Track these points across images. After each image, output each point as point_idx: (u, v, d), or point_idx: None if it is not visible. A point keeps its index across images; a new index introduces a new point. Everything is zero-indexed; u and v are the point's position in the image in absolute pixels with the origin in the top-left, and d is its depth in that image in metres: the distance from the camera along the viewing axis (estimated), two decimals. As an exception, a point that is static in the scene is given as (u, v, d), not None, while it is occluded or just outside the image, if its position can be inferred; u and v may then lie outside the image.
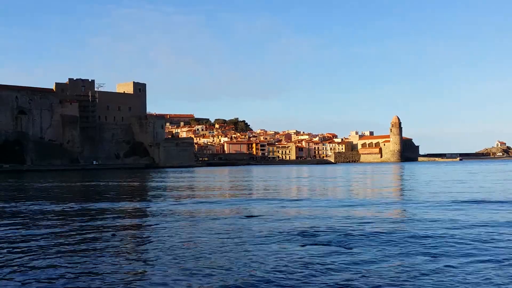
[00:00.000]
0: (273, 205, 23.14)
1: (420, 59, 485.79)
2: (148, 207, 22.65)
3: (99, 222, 17.66)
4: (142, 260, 11.50)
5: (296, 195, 30.22)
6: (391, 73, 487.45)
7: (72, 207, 22.96)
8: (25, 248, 12.94)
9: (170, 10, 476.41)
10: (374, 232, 14.59)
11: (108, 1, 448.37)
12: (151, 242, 13.74)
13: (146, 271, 10.47)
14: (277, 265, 10.69)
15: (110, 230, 15.35)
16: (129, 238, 14.15)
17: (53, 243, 13.65)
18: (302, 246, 12.51)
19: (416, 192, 32.00)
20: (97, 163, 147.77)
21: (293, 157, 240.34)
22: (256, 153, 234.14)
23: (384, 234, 14.13)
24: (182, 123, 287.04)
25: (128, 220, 18.08)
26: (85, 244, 13.50)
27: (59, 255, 12.16)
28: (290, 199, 26.40)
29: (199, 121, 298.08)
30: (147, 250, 12.69)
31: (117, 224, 16.71)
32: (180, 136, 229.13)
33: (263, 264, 10.85)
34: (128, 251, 12.51)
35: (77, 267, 10.93)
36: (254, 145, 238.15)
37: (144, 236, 14.59)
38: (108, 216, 19.49)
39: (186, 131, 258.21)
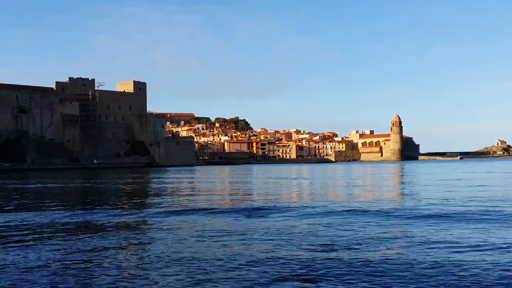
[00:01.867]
0: (271, 215, 22.92)
1: (420, 59, 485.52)
2: (145, 217, 21.50)
3: (94, 236, 17.05)
4: (139, 276, 11.49)
5: (294, 202, 30.06)
6: (391, 72, 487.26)
7: (63, 218, 21.55)
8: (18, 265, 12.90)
9: (171, 9, 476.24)
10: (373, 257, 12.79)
11: (108, 0, 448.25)
12: (147, 256, 13.66)
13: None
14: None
15: (103, 247, 14.28)
16: (125, 254, 13.61)
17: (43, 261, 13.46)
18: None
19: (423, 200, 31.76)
20: (97, 162, 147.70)
21: (293, 156, 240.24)
22: (257, 152, 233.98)
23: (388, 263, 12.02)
24: (182, 122, 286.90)
25: (122, 232, 17.20)
26: (79, 261, 13.40)
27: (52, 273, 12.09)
28: (287, 207, 26.11)
29: (199, 120, 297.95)
30: (143, 264, 12.67)
31: (112, 239, 15.91)
32: (180, 135, 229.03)
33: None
34: (125, 265, 12.39)
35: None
36: (254, 144, 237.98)
37: (140, 250, 14.10)
38: (102, 228, 19.03)
39: (187, 130, 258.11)
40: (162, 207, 25.01)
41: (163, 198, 31.64)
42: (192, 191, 39.87)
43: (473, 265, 11.39)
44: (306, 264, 11.69)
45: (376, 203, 26.14)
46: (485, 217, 19.72)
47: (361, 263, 11.71)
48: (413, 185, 44.70)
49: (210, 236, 15.66)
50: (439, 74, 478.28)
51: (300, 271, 11.06)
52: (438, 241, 14.31)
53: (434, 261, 11.84)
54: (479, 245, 13.69)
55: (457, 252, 12.86)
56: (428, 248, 13.33)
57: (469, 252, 12.80)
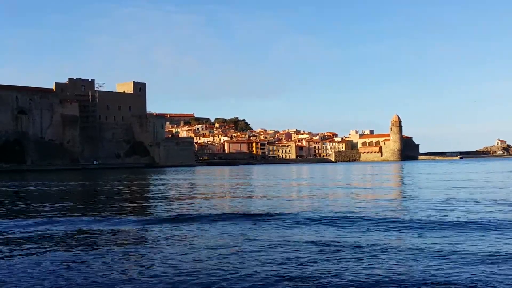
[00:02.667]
0: (271, 219, 22.79)
1: (420, 59, 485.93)
2: (143, 223, 20.63)
3: (87, 244, 16.79)
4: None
5: (294, 206, 29.99)
6: (391, 72, 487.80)
7: (54, 225, 20.93)
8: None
9: (171, 9, 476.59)
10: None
11: (108, 0, 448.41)
12: (145, 266, 13.61)
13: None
14: None
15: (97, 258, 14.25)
16: (119, 265, 13.21)
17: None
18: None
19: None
20: (97, 163, 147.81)
21: (293, 156, 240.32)
22: (256, 152, 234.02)
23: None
24: (182, 123, 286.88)
25: (117, 242, 16.66)
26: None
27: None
28: (287, 212, 26.07)
29: (199, 120, 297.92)
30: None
31: (105, 248, 15.74)
32: (180, 136, 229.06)
33: None
34: (118, 279, 12.24)
35: None
36: (254, 144, 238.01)
37: (137, 259, 13.94)
38: (95, 236, 18.67)
39: (186, 130, 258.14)
40: (160, 212, 24.77)
41: (161, 202, 31.52)
42: (192, 194, 39.76)
43: (473, 270, 11.36)
44: (307, 269, 11.65)
45: (377, 205, 26.05)
46: (486, 220, 19.64)
47: (362, 267, 11.68)
48: (413, 186, 44.62)
49: (210, 242, 15.59)
50: (439, 74, 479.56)
51: (301, 277, 11.03)
52: (439, 245, 14.26)
53: (436, 268, 11.81)
54: (481, 250, 13.65)
55: (460, 258, 12.82)
56: (429, 254, 13.28)
57: (470, 256, 12.77)
